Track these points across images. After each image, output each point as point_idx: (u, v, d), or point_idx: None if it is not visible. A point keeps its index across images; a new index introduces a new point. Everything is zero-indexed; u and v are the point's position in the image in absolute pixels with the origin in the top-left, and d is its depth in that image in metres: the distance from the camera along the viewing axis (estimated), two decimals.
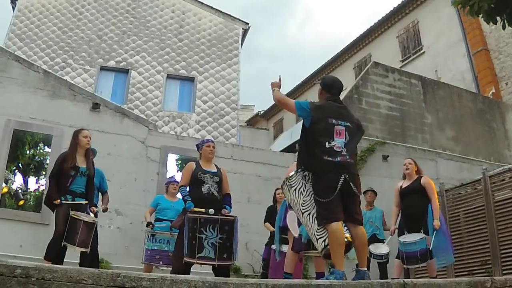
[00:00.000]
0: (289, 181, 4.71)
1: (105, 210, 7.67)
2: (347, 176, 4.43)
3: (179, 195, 8.30)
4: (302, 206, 4.55)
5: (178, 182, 8.37)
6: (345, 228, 4.44)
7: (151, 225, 7.80)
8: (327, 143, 4.48)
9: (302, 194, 4.59)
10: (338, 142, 4.51)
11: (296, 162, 6.37)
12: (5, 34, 16.92)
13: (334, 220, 4.31)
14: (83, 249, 6.18)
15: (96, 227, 6.97)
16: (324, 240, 4.34)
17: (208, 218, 5.43)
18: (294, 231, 5.83)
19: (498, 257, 8.50)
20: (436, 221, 6.79)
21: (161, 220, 7.98)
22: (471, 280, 3.65)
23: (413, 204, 7.03)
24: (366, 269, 4.51)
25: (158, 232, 7.72)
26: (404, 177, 7.51)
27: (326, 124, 4.56)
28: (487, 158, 13.79)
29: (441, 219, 6.97)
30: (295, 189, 4.65)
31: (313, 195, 4.53)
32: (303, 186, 4.61)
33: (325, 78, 5.17)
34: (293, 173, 4.76)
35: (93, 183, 6.57)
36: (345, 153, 4.51)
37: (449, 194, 10.04)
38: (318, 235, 4.40)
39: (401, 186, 7.37)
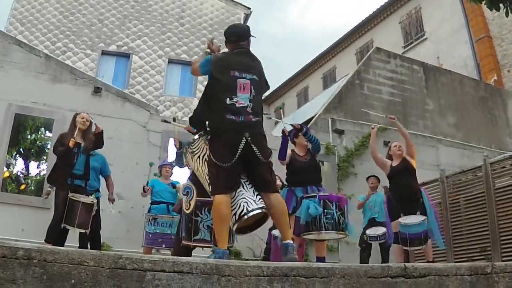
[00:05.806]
0: (191, 147, 4.22)
1: (112, 201, 7.78)
2: (250, 138, 3.88)
3: (172, 178, 8.38)
4: (208, 176, 4.03)
5: (170, 164, 8.45)
6: (260, 198, 3.93)
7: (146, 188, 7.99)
8: (228, 99, 3.92)
9: (207, 161, 4.03)
10: (242, 98, 3.95)
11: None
12: (6, 18, 16.85)
13: (221, 192, 3.84)
14: (82, 230, 6.31)
15: (99, 211, 7.02)
16: (235, 214, 3.84)
17: (204, 201, 5.33)
18: None
19: (497, 244, 8.54)
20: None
21: (157, 202, 8.07)
22: (471, 265, 3.66)
23: (405, 184, 7.02)
24: (290, 241, 3.98)
25: (159, 215, 7.77)
26: (389, 158, 7.52)
27: (227, 77, 4.00)
28: (488, 145, 13.79)
29: (430, 207, 7.10)
30: (198, 156, 4.15)
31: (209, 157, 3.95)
32: (207, 152, 4.01)
33: (226, 29, 4.45)
34: (196, 137, 4.22)
35: (89, 161, 6.72)
36: (250, 110, 3.95)
37: (449, 180, 10.05)
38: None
39: (391, 165, 7.36)
